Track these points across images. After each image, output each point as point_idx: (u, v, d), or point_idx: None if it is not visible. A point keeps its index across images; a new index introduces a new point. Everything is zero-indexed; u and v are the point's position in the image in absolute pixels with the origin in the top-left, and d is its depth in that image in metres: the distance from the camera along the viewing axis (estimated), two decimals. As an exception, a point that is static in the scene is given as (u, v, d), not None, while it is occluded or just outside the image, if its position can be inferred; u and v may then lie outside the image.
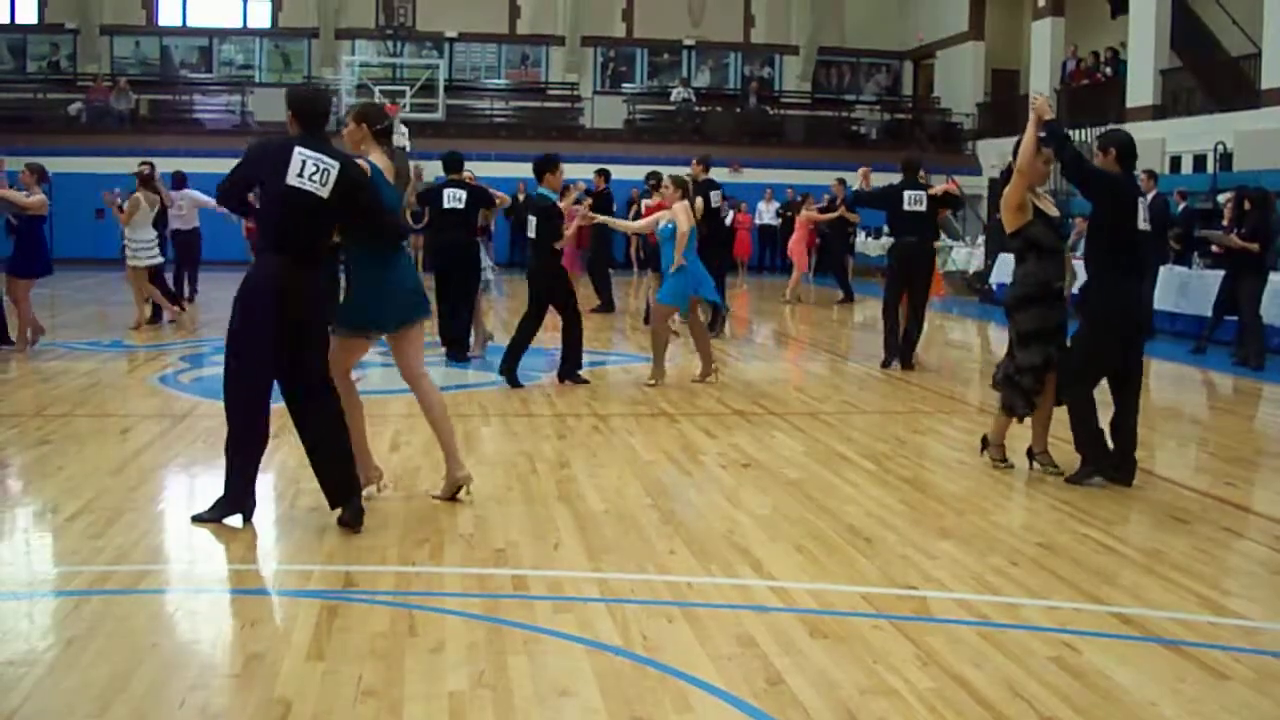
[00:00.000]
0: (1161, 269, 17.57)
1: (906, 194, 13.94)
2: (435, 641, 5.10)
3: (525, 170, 21.99)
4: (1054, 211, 8.52)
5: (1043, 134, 8.20)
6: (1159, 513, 7.54)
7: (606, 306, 20.42)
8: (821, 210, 24.62)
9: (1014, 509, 7.73)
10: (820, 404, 11.56)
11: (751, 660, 4.95)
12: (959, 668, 4.89)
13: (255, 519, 7.07)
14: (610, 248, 21.23)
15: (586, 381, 12.47)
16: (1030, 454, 8.76)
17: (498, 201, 14.88)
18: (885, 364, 14.15)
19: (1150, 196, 17.24)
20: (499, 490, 7.86)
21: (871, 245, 29.55)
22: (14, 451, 8.89)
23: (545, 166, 12.51)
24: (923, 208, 13.98)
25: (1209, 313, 16.08)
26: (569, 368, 12.52)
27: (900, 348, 14.16)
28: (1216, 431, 10.05)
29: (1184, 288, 17.60)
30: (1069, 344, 8.47)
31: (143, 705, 4.44)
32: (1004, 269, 23.23)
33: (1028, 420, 8.66)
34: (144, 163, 17.04)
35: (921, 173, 14.62)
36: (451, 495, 7.51)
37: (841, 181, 23.51)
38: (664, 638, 5.19)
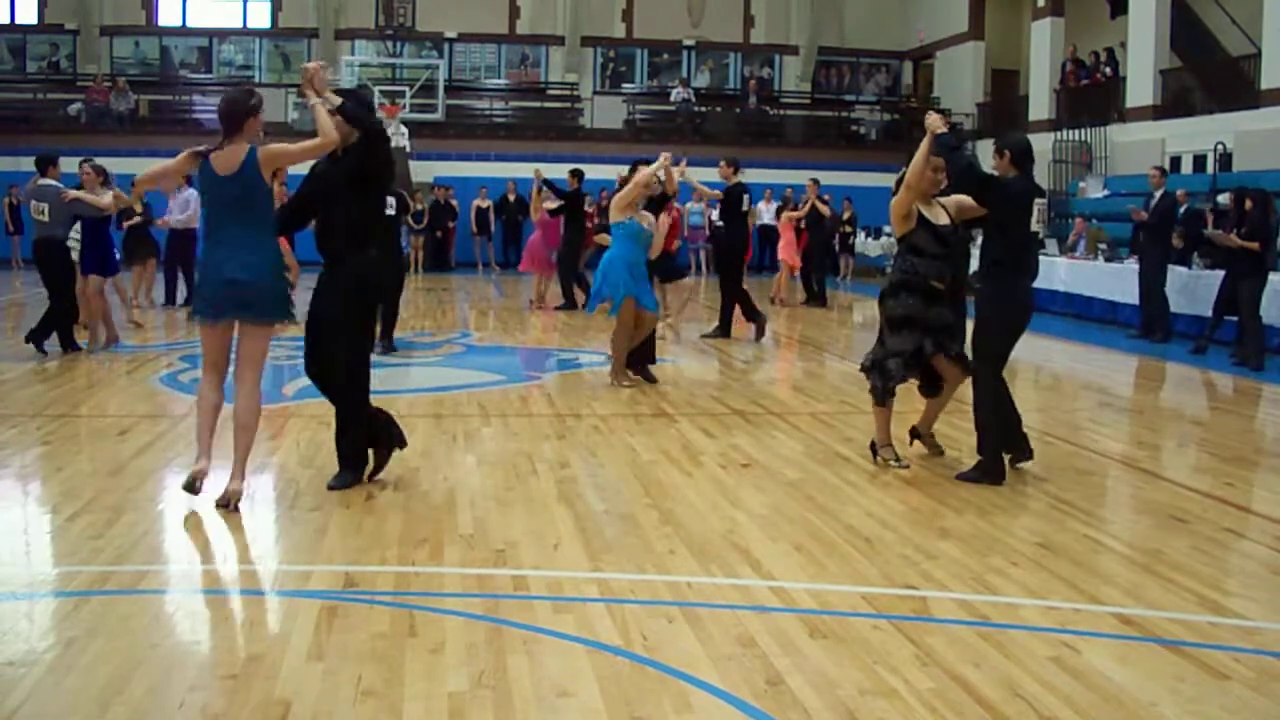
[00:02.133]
0: (1167, 268, 17.54)
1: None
2: (435, 642, 5.11)
3: (521, 170, 22.09)
4: (944, 220, 8.62)
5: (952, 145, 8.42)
6: (1159, 513, 7.54)
7: (569, 304, 20.47)
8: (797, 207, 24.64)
9: (1013, 509, 7.73)
10: (820, 404, 11.56)
11: (751, 660, 4.95)
12: (959, 668, 4.89)
13: (255, 519, 7.08)
14: (581, 249, 21.23)
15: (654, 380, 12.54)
16: (913, 432, 9.27)
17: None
18: None
19: (1159, 195, 17.19)
20: (499, 490, 7.86)
21: (871, 245, 29.55)
22: (14, 452, 8.89)
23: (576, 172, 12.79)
24: None
25: (1209, 313, 16.08)
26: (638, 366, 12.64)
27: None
28: (1216, 431, 10.05)
29: (1184, 288, 17.59)
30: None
31: (142, 706, 4.44)
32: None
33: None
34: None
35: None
36: (227, 503, 7.31)
37: (815, 181, 23.48)
38: (664, 638, 5.19)
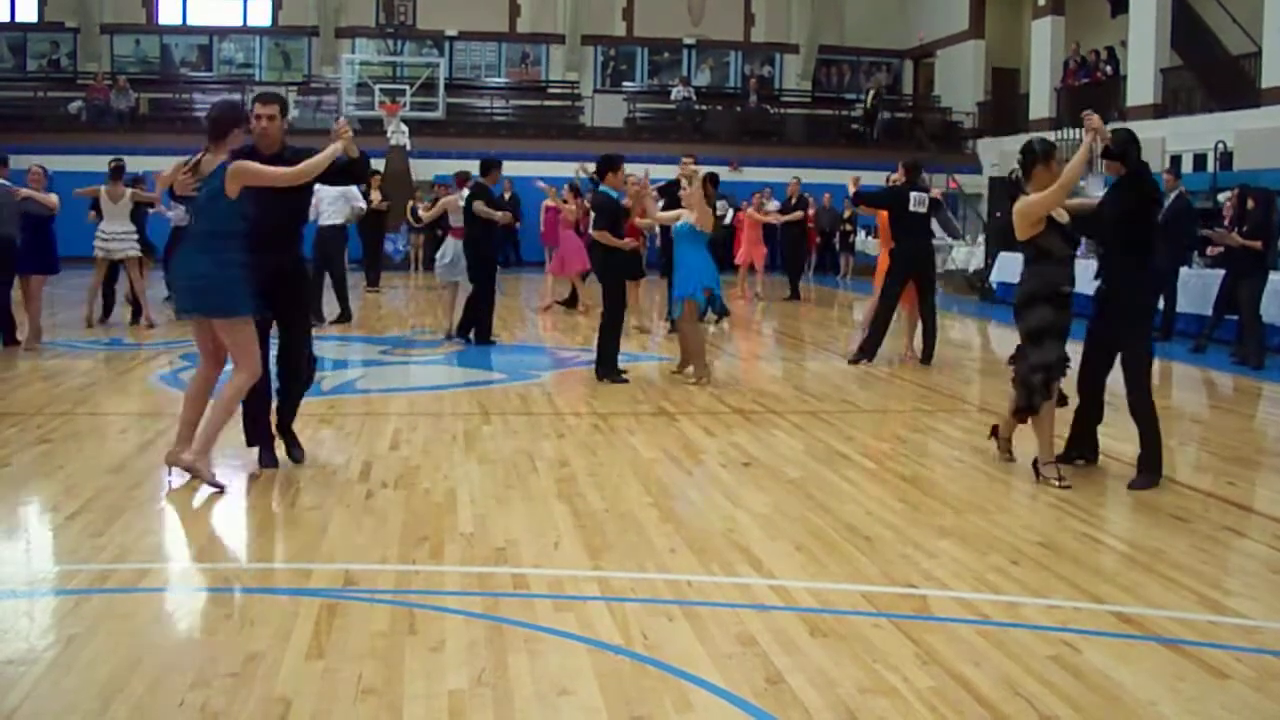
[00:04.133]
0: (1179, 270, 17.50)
1: (912, 195, 14.05)
2: (435, 640, 5.10)
3: (521, 169, 22.06)
4: (1065, 219, 8.47)
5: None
6: (1159, 512, 7.53)
7: (571, 302, 20.55)
8: (781, 210, 24.56)
9: (1014, 508, 7.73)
10: (820, 402, 11.56)
11: (751, 659, 4.95)
12: (959, 666, 4.89)
13: (255, 517, 7.09)
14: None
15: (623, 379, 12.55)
16: (996, 430, 9.20)
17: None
18: (856, 360, 14.29)
19: (1174, 195, 17.14)
20: (499, 489, 7.86)
21: (871, 245, 29.46)
22: (14, 450, 8.88)
23: (607, 166, 12.91)
24: (924, 209, 14.10)
25: (1209, 312, 16.07)
26: (603, 369, 12.69)
27: (925, 348, 14.57)
28: (1217, 430, 10.05)
29: (1184, 287, 17.57)
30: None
31: (143, 704, 4.44)
32: (1004, 267, 23.25)
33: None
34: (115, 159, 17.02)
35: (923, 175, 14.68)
36: (171, 464, 7.83)
37: (798, 180, 23.48)
38: (664, 636, 5.19)
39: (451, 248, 15.70)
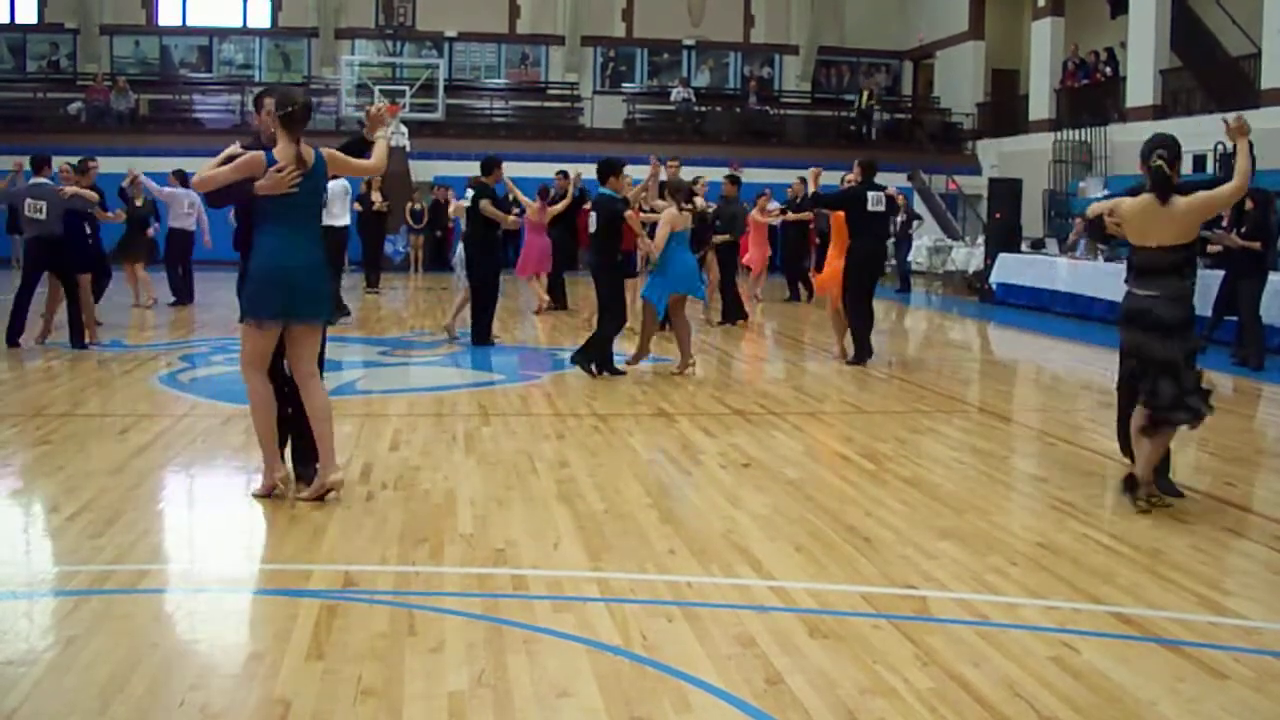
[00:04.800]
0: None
1: (869, 195, 14.13)
2: (435, 641, 5.11)
3: (521, 170, 22.03)
4: None
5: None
6: (1158, 512, 7.51)
7: (561, 304, 20.63)
8: (783, 210, 24.38)
9: (1013, 509, 7.73)
10: (820, 404, 11.56)
11: (751, 660, 4.95)
12: (958, 667, 4.89)
13: (254, 518, 7.09)
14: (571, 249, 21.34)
15: (620, 372, 12.86)
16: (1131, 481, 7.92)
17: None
18: (858, 360, 14.32)
19: None
20: (499, 490, 7.86)
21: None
22: (14, 451, 8.89)
23: (609, 170, 12.94)
24: (883, 208, 14.33)
25: (1209, 312, 16.08)
26: (582, 355, 12.92)
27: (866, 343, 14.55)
28: (1216, 431, 10.04)
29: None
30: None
31: (142, 705, 4.44)
32: (1004, 269, 23.25)
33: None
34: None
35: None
36: (319, 496, 7.41)
37: (803, 180, 23.36)
38: (664, 637, 5.19)
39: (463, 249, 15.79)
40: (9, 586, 5.92)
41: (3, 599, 5.74)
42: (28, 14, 36.89)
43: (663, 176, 14.90)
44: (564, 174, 21.20)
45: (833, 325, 15.14)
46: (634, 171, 14.03)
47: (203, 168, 7.16)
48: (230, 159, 7.11)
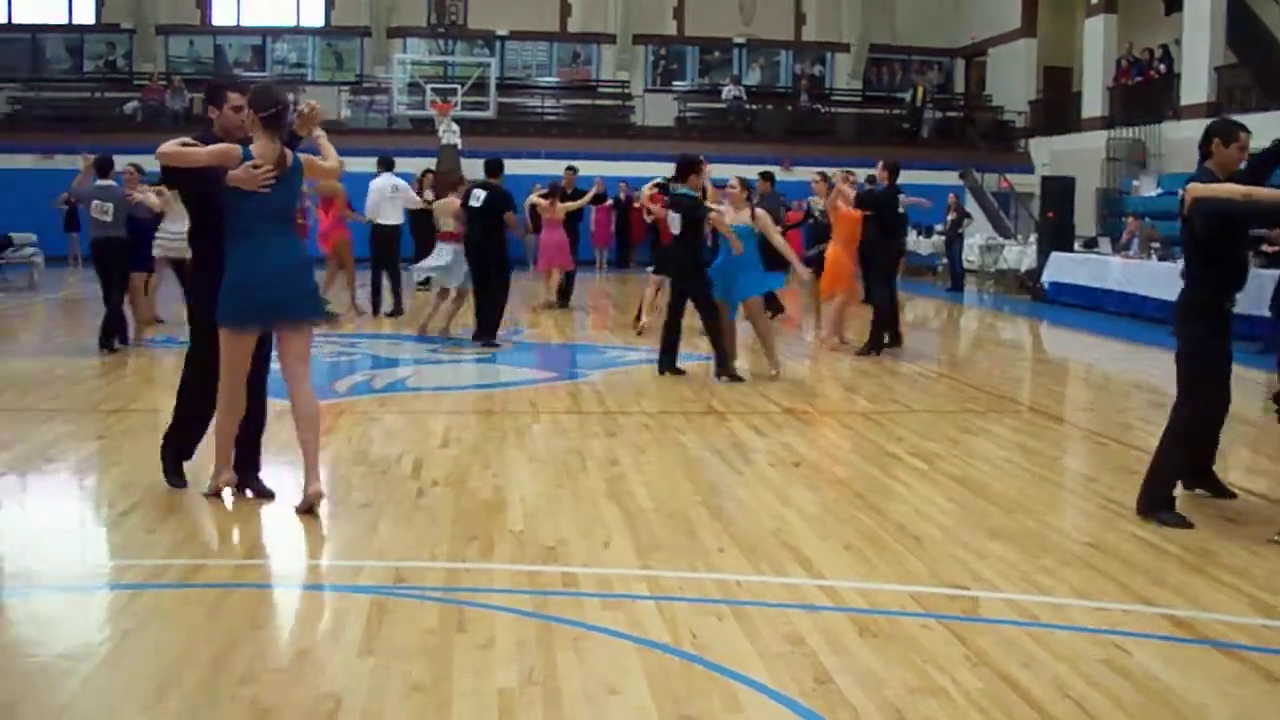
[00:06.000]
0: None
1: (900, 197, 15.04)
2: (484, 638, 5.13)
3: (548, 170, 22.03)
4: None
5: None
6: (1211, 514, 7.44)
7: (564, 299, 20.66)
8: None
9: (1064, 509, 7.69)
10: (870, 402, 11.53)
11: (800, 658, 4.95)
12: (1008, 668, 4.87)
13: (306, 515, 7.13)
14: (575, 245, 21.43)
15: (740, 379, 12.47)
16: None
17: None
18: (864, 352, 14.79)
19: None
20: (549, 487, 7.88)
21: (922, 244, 29.31)
22: (69, 446, 8.98)
23: (689, 168, 12.63)
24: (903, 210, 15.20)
25: (1266, 311, 15.89)
26: (721, 363, 12.59)
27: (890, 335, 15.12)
28: (1273, 432, 9.94)
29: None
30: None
31: (194, 699, 4.48)
32: (1056, 267, 23.09)
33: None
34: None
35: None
36: (309, 509, 7.19)
37: (825, 177, 22.92)
38: (713, 636, 5.20)
39: (450, 252, 15.56)
40: (64, 580, 6.00)
41: (59, 593, 5.81)
42: (85, 14, 37.25)
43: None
44: (572, 169, 21.36)
45: (836, 318, 15.53)
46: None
47: (169, 143, 7.05)
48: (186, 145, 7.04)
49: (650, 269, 16.71)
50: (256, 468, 7.61)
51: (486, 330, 14.98)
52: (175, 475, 7.69)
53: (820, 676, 4.76)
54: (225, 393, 7.27)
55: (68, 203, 15.58)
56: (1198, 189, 7.18)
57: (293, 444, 7.45)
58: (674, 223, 12.49)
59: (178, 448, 7.75)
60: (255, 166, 6.91)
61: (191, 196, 7.41)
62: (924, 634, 5.28)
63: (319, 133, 7.50)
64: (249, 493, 7.50)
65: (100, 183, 13.99)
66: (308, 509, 7.16)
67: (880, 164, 15.21)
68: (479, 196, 15.05)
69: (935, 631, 5.31)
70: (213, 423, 7.50)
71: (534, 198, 20.67)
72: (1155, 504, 7.22)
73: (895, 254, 15.49)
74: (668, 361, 12.72)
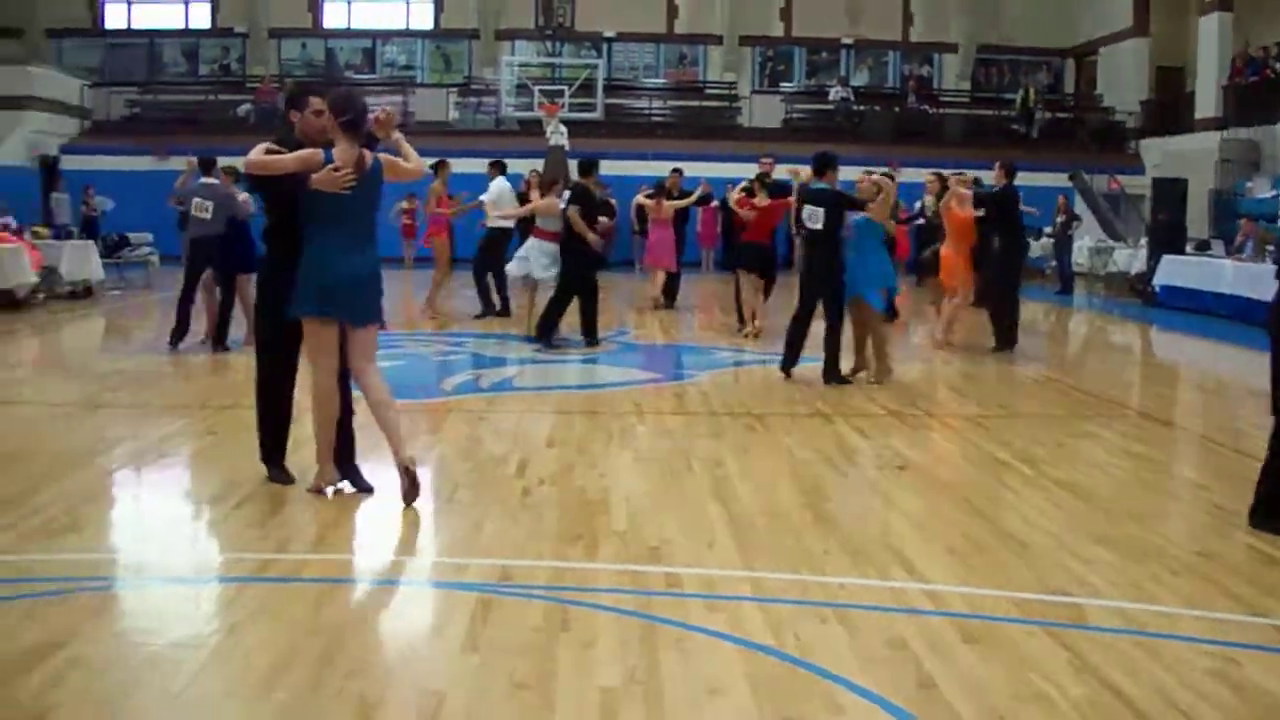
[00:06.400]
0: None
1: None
2: (588, 637, 5.16)
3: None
4: None
5: None
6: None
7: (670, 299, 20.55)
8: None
9: (1173, 516, 7.58)
10: (976, 406, 11.44)
11: (903, 663, 4.93)
12: (1113, 676, 4.82)
13: (413, 511, 7.22)
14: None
15: (849, 381, 12.33)
16: None
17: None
18: (1006, 347, 15.00)
19: None
20: (654, 488, 7.90)
21: (1032, 247, 28.88)
22: (182, 441, 9.17)
23: (827, 164, 12.38)
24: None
25: None
26: (829, 368, 12.41)
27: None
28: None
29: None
30: None
31: (301, 691, 4.55)
32: (1167, 270, 22.72)
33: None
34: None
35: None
36: (411, 483, 7.32)
37: (940, 176, 21.98)
38: (816, 639, 5.19)
39: (533, 247, 15.60)
40: (177, 573, 6.13)
41: (170, 584, 5.94)
42: (201, 19, 38.05)
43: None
44: (678, 171, 21.39)
45: (953, 317, 15.56)
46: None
47: (255, 153, 7.21)
48: (270, 153, 7.22)
49: (745, 270, 16.58)
50: (349, 455, 7.73)
51: (588, 331, 15.05)
52: (275, 469, 7.84)
53: (923, 681, 4.74)
54: (316, 389, 7.46)
55: (180, 203, 15.80)
56: None
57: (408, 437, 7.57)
58: (815, 218, 12.04)
59: (265, 446, 7.91)
60: (336, 170, 7.10)
61: (270, 197, 7.57)
62: (1028, 640, 5.23)
63: (397, 135, 7.66)
64: (347, 486, 7.62)
65: (203, 180, 14.19)
66: (407, 474, 7.28)
67: (997, 165, 15.13)
68: (565, 196, 15.25)
69: (1039, 638, 5.26)
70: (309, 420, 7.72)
71: (640, 198, 20.71)
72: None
73: (1016, 254, 15.31)
74: (791, 361, 12.48)
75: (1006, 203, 15.03)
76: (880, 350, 12.44)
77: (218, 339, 14.19)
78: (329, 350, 7.37)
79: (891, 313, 14.43)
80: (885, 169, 15.25)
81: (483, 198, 18.24)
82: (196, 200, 14.02)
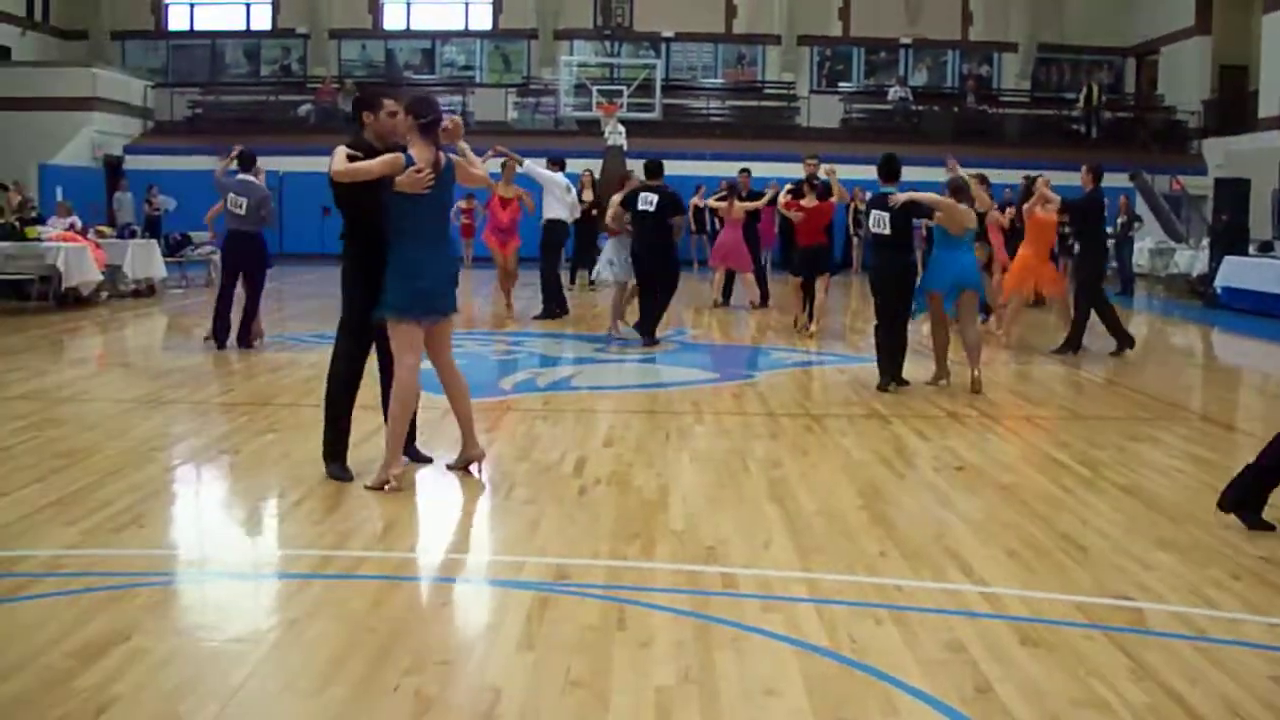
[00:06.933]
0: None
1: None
2: (644, 636, 5.16)
3: (736, 170, 22.02)
4: None
5: None
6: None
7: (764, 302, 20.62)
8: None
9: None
10: (1035, 407, 11.37)
11: (960, 666, 4.90)
12: (1174, 682, 4.77)
13: (470, 509, 7.27)
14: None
15: (907, 383, 12.07)
16: None
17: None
18: (1062, 350, 14.94)
19: None
20: (710, 488, 7.90)
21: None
22: (243, 439, 9.24)
23: (898, 169, 12.19)
24: None
25: None
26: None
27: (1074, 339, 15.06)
28: None
29: None
30: None
31: (359, 687, 4.58)
32: (1230, 272, 22.50)
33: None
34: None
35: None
36: (465, 466, 8.03)
37: (983, 179, 21.67)
38: (872, 640, 5.17)
39: (615, 247, 15.74)
40: (237, 568, 6.19)
41: (231, 580, 6.00)
42: (262, 20, 38.46)
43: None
44: (746, 171, 21.41)
45: (1012, 318, 15.69)
46: (853, 171, 13.85)
47: (336, 160, 7.47)
48: (352, 158, 7.46)
49: (800, 274, 16.64)
50: (413, 438, 8.16)
51: (647, 330, 15.06)
52: (338, 467, 7.97)
53: (980, 685, 4.71)
54: (400, 386, 7.70)
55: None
56: None
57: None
58: (881, 223, 11.80)
59: (332, 444, 8.07)
60: (419, 171, 7.34)
61: (350, 202, 7.72)
62: (1087, 645, 5.19)
63: (463, 145, 8.03)
64: (406, 460, 7.95)
65: (242, 177, 14.25)
66: (463, 466, 7.89)
67: (1084, 168, 15.01)
68: (650, 200, 15.12)
69: (1099, 643, 5.22)
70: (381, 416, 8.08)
71: (712, 200, 20.71)
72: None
73: (1098, 258, 15.36)
74: (894, 373, 11.97)
75: (1092, 207, 14.93)
76: (939, 349, 12.30)
77: (240, 337, 14.34)
78: (417, 348, 7.71)
79: (984, 313, 14.50)
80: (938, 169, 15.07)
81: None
82: (231, 196, 14.06)
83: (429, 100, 7.80)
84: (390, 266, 7.52)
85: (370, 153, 7.51)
